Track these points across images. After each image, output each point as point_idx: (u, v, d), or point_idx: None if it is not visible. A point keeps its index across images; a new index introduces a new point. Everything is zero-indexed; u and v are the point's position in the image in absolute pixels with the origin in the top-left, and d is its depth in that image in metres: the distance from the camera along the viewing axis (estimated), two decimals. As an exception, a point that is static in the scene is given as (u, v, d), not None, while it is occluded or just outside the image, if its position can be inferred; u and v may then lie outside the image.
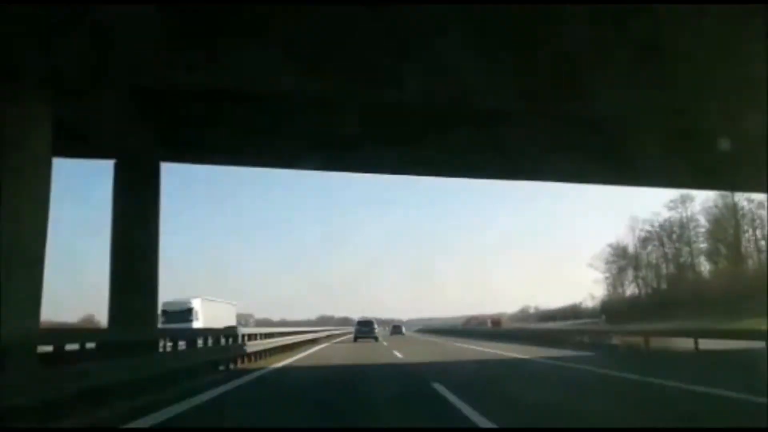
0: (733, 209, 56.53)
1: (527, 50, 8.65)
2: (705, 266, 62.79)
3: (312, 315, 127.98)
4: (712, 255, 61.27)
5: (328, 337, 37.62)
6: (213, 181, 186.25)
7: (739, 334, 15.75)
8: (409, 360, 15.69)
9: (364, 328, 35.66)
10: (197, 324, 29.19)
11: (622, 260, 70.10)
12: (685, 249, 64.03)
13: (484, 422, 5.35)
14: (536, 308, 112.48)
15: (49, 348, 5.99)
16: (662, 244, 65.82)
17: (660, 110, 11.41)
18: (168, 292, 35.27)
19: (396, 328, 56.16)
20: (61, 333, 8.58)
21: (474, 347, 22.63)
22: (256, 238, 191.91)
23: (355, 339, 34.92)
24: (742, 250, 57.46)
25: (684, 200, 60.09)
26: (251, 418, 6.34)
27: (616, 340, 20.54)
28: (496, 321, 65.83)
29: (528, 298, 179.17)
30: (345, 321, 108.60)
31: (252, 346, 14.17)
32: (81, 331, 11.77)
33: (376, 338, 34.39)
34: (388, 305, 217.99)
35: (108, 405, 6.26)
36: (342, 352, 21.10)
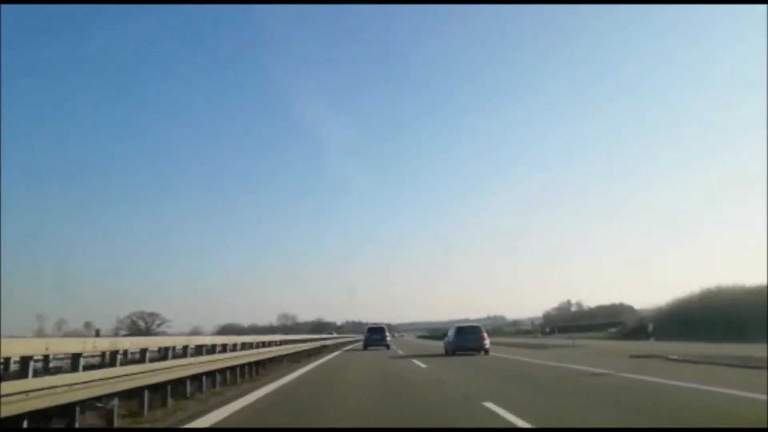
0: None
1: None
2: None
3: (273, 318, 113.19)
4: None
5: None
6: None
7: None
8: None
9: (375, 336, 34.93)
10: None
11: None
12: None
13: None
14: (578, 303, 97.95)
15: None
16: None
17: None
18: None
19: (464, 336, 24.32)
20: None
21: None
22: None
23: (365, 347, 34.11)
24: None
25: None
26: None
27: None
28: None
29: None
30: (318, 327, 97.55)
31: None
32: None
33: (387, 346, 33.50)
34: (370, 308, 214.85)
35: None
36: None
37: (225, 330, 79.75)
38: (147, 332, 73.42)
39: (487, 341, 23.97)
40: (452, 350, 24.21)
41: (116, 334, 51.77)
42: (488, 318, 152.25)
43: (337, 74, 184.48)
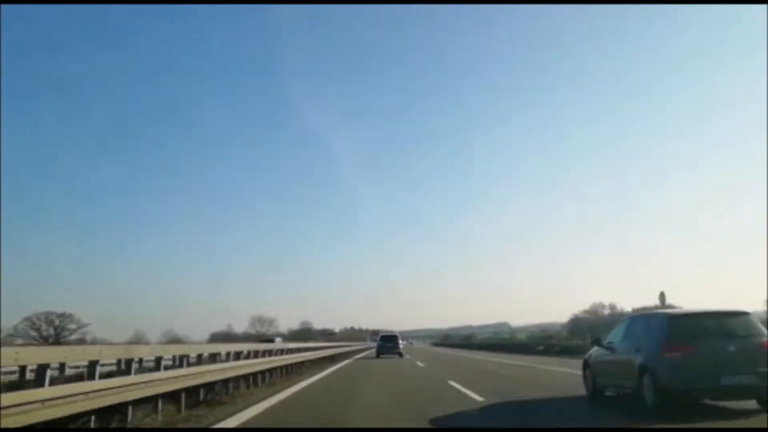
0: None
1: None
2: None
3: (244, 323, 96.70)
4: None
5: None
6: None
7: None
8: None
9: (388, 343, 35.42)
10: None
11: None
12: None
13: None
14: (611, 306, 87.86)
15: None
16: None
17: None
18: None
19: (719, 342, 6.98)
20: None
21: None
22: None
23: (378, 355, 34.70)
24: None
25: None
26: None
27: None
28: None
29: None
30: (302, 335, 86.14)
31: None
32: None
33: (400, 354, 34.14)
34: (369, 315, 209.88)
35: None
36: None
37: (214, 337, 71.91)
38: (57, 340, 55.24)
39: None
40: (672, 392, 6.92)
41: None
42: (496, 325, 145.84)
43: (349, 84, 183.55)
